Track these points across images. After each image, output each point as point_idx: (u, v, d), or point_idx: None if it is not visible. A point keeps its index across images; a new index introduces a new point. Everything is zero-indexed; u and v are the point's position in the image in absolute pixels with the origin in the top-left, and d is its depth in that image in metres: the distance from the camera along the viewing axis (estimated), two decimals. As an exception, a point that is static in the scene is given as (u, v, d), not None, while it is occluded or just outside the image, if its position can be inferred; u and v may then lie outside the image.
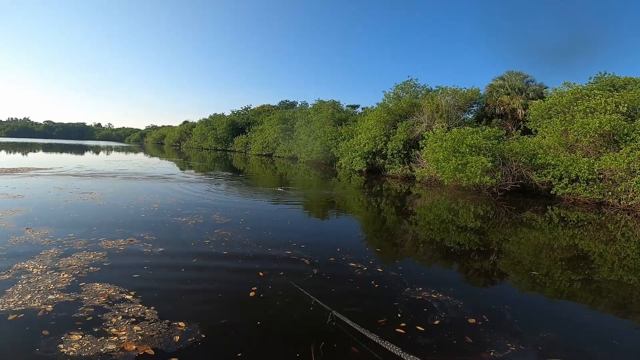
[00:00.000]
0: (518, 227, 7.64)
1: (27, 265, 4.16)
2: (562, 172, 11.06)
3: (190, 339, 2.79)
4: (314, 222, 7.86)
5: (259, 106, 49.80)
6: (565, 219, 8.64)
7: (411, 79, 20.45)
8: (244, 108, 49.87)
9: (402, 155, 17.03)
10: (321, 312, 3.32)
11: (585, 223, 8.30)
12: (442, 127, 15.33)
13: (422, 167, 15.11)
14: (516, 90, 18.88)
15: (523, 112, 17.46)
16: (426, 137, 14.73)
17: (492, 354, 2.80)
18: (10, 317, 3.05)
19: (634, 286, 4.51)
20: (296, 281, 4.05)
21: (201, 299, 3.59)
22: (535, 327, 3.29)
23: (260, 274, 4.21)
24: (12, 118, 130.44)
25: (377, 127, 18.46)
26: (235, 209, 8.22)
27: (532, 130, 15.01)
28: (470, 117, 19.10)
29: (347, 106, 29.33)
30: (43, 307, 3.24)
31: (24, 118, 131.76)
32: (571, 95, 13.25)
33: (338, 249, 5.30)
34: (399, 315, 3.36)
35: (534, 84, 19.54)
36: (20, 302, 3.31)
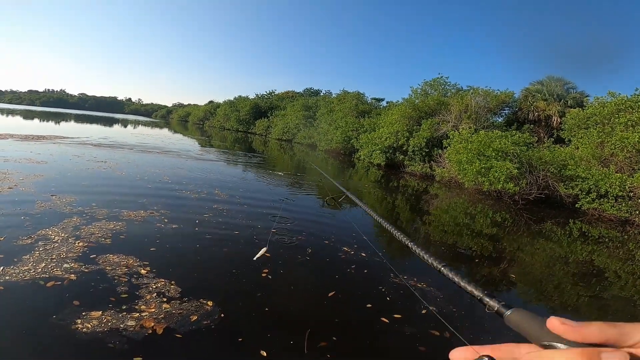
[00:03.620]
0: (535, 237, 7.33)
1: (50, 232, 4.25)
2: (591, 186, 10.41)
3: (206, 321, 2.81)
4: (325, 211, 7.78)
5: (283, 92, 49.75)
6: (586, 233, 8.20)
7: (441, 77, 19.70)
8: (268, 92, 49.96)
9: (424, 153, 16.55)
10: (327, 301, 3.38)
11: (606, 240, 7.86)
12: (469, 128, 14.73)
13: (443, 167, 14.65)
14: (554, 96, 17.83)
15: (559, 119, 16.50)
16: (451, 136, 14.21)
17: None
18: (49, 284, 3.11)
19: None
20: (300, 261, 4.12)
21: (216, 276, 3.69)
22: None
23: (267, 255, 4.24)
24: (48, 89, 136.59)
25: (400, 122, 17.98)
26: (253, 191, 8.27)
27: (566, 139, 14.16)
28: (500, 120, 18.25)
29: (372, 99, 28.78)
30: (67, 275, 3.30)
31: (60, 90, 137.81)
32: (614, 106, 12.34)
33: (332, 237, 5.22)
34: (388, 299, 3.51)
35: (574, 91, 18.37)
36: (40, 268, 3.39)
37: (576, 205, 10.61)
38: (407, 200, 10.62)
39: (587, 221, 9.62)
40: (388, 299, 3.53)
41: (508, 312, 0.45)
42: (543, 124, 17.43)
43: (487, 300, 0.52)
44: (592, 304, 4.33)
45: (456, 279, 0.65)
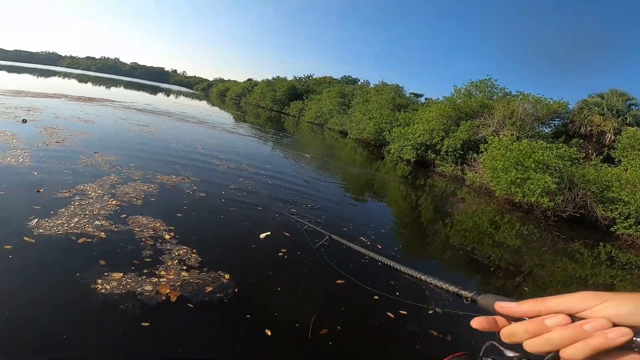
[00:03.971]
0: (559, 255, 6.97)
1: (88, 188, 4.45)
2: (632, 211, 9.65)
3: (219, 294, 2.83)
4: (347, 198, 7.81)
5: (320, 77, 49.44)
6: (614, 258, 7.71)
7: (490, 78, 18.70)
8: (306, 76, 49.86)
9: (457, 155, 15.95)
10: (337, 288, 3.47)
11: (633, 267, 7.37)
12: (512, 135, 13.93)
13: (476, 172, 14.07)
14: (613, 112, 16.33)
15: (613, 137, 15.16)
16: (490, 142, 13.55)
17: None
18: (80, 240, 3.18)
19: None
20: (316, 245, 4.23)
21: (236, 250, 3.78)
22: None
23: (287, 234, 4.39)
24: (104, 56, 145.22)
25: (437, 121, 17.36)
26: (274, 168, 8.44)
27: (616, 159, 13.04)
28: (547, 130, 17.07)
29: (410, 93, 27.91)
30: (97, 233, 3.36)
31: (115, 58, 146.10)
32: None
33: (350, 225, 5.24)
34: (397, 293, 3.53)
35: (637, 108, 16.71)
36: (73, 223, 3.46)
37: (611, 229, 9.94)
38: (431, 200, 10.38)
39: (619, 246, 9.02)
40: (397, 294, 3.54)
41: (479, 297, 0.54)
42: (594, 139, 16.10)
43: (463, 292, 0.61)
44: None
45: (435, 281, 0.72)
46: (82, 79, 45.81)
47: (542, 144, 11.75)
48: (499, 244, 6.76)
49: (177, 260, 3.17)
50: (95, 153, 6.32)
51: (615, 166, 12.38)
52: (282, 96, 45.49)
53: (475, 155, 15.00)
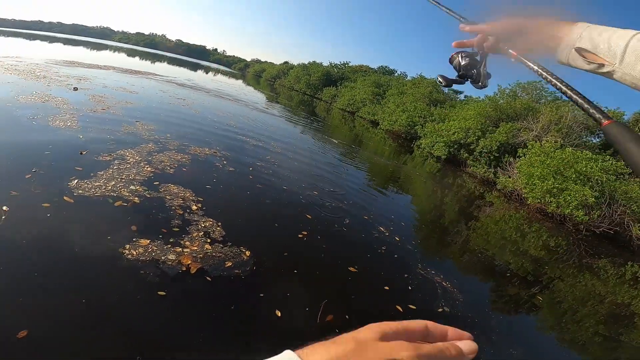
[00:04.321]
0: (582, 271, 6.64)
1: (127, 154, 4.68)
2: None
3: (237, 270, 2.86)
4: (371, 187, 7.82)
5: (357, 65, 48.58)
6: (639, 279, 7.22)
7: (540, 81, 17.44)
8: (342, 63, 49.17)
9: (492, 157, 15.27)
10: (351, 276, 3.52)
11: None
12: (555, 142, 13.11)
13: (509, 177, 13.44)
14: (674, 126, 14.83)
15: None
16: (530, 147, 12.87)
17: None
18: (117, 204, 3.28)
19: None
20: (336, 230, 4.34)
21: (259, 227, 3.85)
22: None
23: (308, 216, 4.47)
24: (153, 33, 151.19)
25: (475, 119, 16.63)
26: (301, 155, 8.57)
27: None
28: (595, 141, 15.86)
29: (449, 89, 26.74)
30: (132, 198, 3.47)
31: (162, 34, 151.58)
32: None
33: (371, 214, 5.26)
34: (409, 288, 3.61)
35: None
36: (109, 186, 3.57)
37: (642, 249, 9.29)
38: (457, 200, 10.10)
39: (647, 267, 8.41)
40: (409, 288, 3.55)
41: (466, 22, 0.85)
42: (647, 155, 14.76)
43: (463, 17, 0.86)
44: (603, 344, 3.99)
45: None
46: (130, 53, 47.99)
47: (587, 154, 11.03)
48: (521, 252, 6.52)
49: (202, 232, 3.20)
50: (136, 121, 6.72)
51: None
52: (316, 81, 45.24)
53: (511, 159, 14.30)
